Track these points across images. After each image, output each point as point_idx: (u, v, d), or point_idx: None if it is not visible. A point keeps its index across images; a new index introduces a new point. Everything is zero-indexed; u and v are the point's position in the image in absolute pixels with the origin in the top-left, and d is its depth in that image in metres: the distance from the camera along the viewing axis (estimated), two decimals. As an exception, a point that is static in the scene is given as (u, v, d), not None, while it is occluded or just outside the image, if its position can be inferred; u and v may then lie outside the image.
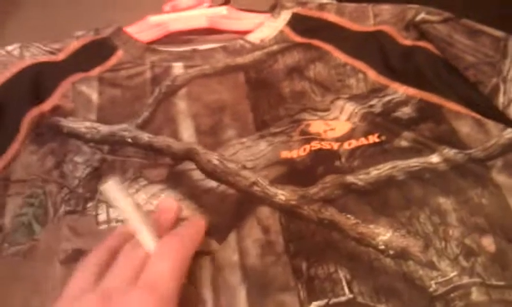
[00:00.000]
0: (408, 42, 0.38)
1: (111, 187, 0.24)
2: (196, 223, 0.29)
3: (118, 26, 0.43)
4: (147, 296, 0.23)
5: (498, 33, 0.37)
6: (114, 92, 0.39)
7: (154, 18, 0.45)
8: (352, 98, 0.36)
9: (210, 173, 0.33)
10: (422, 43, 0.38)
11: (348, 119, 0.35)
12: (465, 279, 0.26)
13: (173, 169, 0.33)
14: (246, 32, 0.42)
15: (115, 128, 0.36)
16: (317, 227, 0.29)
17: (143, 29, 0.44)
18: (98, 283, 0.24)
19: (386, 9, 0.41)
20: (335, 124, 0.35)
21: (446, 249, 0.27)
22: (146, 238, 0.25)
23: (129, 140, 0.35)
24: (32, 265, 0.29)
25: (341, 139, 0.34)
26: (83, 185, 0.33)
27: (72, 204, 0.32)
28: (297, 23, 0.42)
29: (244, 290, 0.27)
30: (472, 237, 0.28)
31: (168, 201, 0.30)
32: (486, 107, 0.33)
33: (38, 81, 0.39)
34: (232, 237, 0.29)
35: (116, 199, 0.24)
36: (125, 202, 0.24)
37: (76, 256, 0.29)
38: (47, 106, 0.37)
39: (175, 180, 0.32)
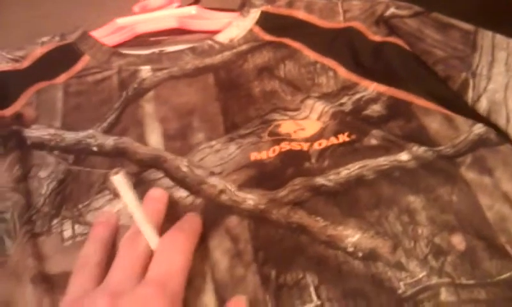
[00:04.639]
0: (377, 38, 0.38)
1: (120, 180, 0.24)
2: (193, 219, 0.29)
3: (84, 30, 0.42)
4: (157, 292, 0.22)
5: (468, 26, 0.37)
6: (79, 98, 0.38)
7: (121, 21, 0.43)
8: (323, 96, 0.36)
9: (180, 181, 0.32)
10: (391, 39, 0.37)
11: (318, 118, 0.34)
12: (434, 280, 0.26)
13: (138, 177, 0.32)
14: (215, 32, 0.41)
15: (80, 135, 0.35)
16: (286, 231, 0.28)
17: (110, 32, 0.43)
18: (101, 280, 0.24)
19: (355, 4, 0.40)
20: (306, 124, 0.34)
21: (415, 249, 0.27)
22: (149, 233, 0.25)
23: (95, 148, 0.34)
24: (3, 283, 0.28)
25: (311, 139, 0.33)
26: (48, 203, 0.32)
27: (38, 225, 0.31)
28: (267, 21, 0.41)
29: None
30: (442, 236, 0.27)
31: (157, 191, 0.30)
32: (455, 103, 0.33)
33: (0, 92, 0.38)
34: (202, 248, 0.28)
35: (123, 193, 0.24)
36: (131, 197, 0.24)
37: (43, 278, 0.28)
38: (8, 112, 0.37)
39: (142, 190, 0.31)
